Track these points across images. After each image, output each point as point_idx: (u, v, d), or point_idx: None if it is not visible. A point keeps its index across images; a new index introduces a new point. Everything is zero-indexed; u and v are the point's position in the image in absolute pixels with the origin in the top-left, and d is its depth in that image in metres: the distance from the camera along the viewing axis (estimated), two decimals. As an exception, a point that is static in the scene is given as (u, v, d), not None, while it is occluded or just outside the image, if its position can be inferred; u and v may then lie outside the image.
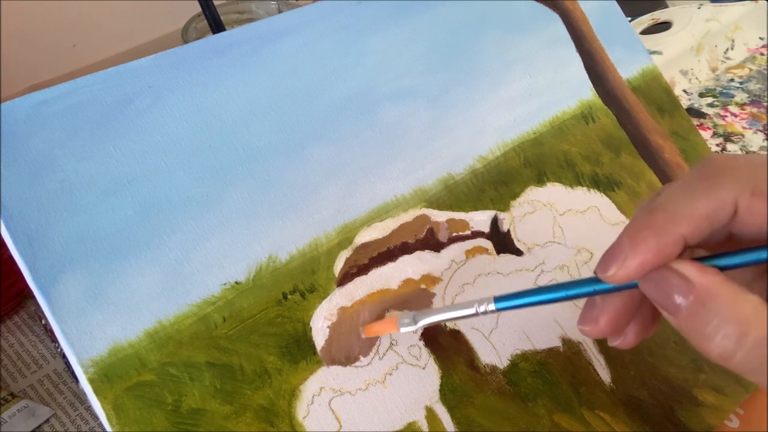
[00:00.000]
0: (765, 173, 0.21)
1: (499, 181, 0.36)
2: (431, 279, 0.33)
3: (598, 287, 0.23)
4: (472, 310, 0.26)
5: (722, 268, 0.21)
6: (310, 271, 0.31)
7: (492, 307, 0.26)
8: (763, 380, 0.20)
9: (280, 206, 0.31)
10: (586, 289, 0.24)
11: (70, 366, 0.27)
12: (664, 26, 0.64)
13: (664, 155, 0.41)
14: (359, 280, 0.31)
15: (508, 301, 0.26)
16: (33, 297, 0.31)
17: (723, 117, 0.57)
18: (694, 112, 0.58)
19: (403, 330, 0.28)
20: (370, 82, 0.35)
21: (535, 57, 0.40)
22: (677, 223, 0.21)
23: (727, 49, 0.63)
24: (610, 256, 0.22)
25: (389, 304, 0.31)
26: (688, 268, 0.21)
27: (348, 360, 0.30)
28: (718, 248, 0.23)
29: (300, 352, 0.29)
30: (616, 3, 0.44)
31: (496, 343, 0.32)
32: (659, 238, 0.21)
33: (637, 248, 0.21)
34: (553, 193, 0.37)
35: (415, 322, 0.28)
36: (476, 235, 0.35)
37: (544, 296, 0.25)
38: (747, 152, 0.53)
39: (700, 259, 0.22)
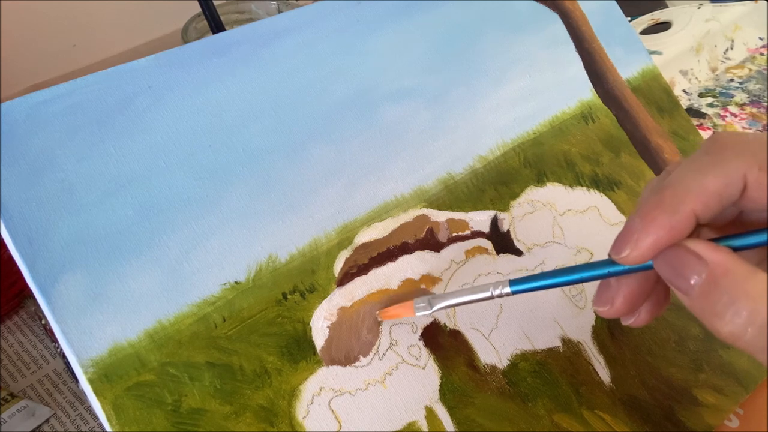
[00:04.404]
0: None
1: (499, 181, 0.36)
2: (431, 279, 0.33)
3: (612, 269, 0.23)
4: (487, 294, 0.27)
5: (735, 249, 0.21)
6: (310, 271, 0.31)
7: (507, 290, 0.26)
8: None
9: (280, 206, 0.31)
10: (600, 272, 0.24)
11: (70, 366, 0.27)
12: (664, 26, 0.64)
13: (664, 155, 0.41)
14: (359, 280, 0.31)
15: (523, 284, 0.26)
16: (33, 297, 0.31)
17: (723, 117, 0.57)
18: (694, 112, 0.58)
19: (418, 314, 0.29)
20: (370, 82, 0.35)
21: (535, 57, 0.40)
22: (687, 200, 0.21)
23: (727, 49, 0.63)
24: (622, 237, 0.22)
25: (389, 305, 0.31)
26: (701, 246, 0.21)
27: (348, 360, 0.30)
28: (728, 229, 0.23)
29: (300, 352, 0.29)
30: (616, 3, 0.44)
31: (495, 343, 0.32)
32: (670, 215, 0.21)
33: (648, 228, 0.21)
34: (553, 193, 0.37)
35: (431, 306, 0.28)
36: (476, 235, 0.35)
37: (559, 279, 0.25)
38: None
39: (713, 240, 0.22)
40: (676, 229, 0.21)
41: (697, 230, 0.22)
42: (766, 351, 0.20)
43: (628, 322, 0.25)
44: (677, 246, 0.21)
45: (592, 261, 0.24)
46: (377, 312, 0.31)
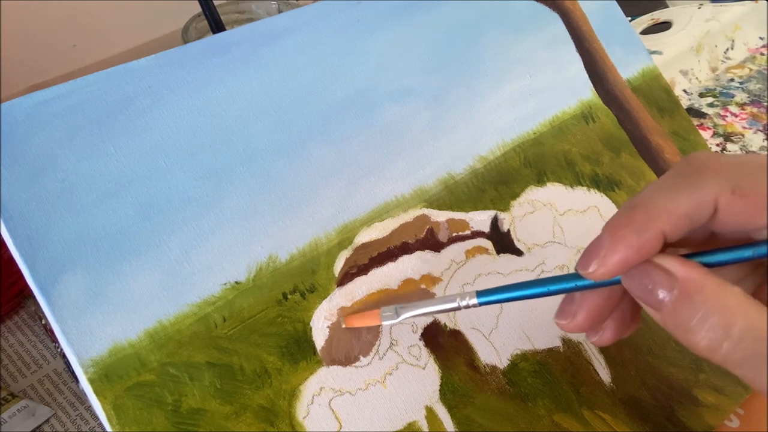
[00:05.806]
0: (746, 172, 0.21)
1: (499, 181, 0.36)
2: (431, 279, 0.33)
3: (579, 283, 0.23)
4: (454, 304, 0.27)
5: (705, 266, 0.21)
6: (310, 271, 0.31)
7: (474, 301, 0.26)
8: (749, 373, 0.20)
9: (280, 206, 0.31)
10: (567, 285, 0.24)
11: (70, 366, 0.27)
12: (664, 26, 0.64)
13: (664, 155, 0.41)
14: (359, 280, 0.31)
15: (490, 295, 0.26)
16: (33, 297, 0.31)
17: (723, 117, 0.57)
18: (694, 112, 0.58)
19: (385, 323, 0.29)
20: (370, 82, 0.35)
21: (535, 57, 0.40)
22: (656, 220, 0.21)
23: (727, 49, 0.63)
24: (589, 252, 0.22)
25: (389, 305, 0.31)
26: (669, 262, 0.21)
27: (348, 360, 0.30)
28: (701, 248, 0.22)
29: (300, 352, 0.29)
30: (616, 3, 0.44)
31: (496, 343, 0.32)
32: (639, 234, 0.21)
33: (616, 245, 0.21)
34: (553, 193, 0.37)
35: (398, 315, 0.28)
36: (476, 235, 0.35)
37: (525, 291, 0.25)
38: (747, 152, 0.53)
39: (684, 257, 0.22)
40: (645, 248, 0.21)
41: (672, 249, 0.22)
42: (742, 364, 0.19)
43: (592, 339, 0.25)
44: (646, 262, 0.21)
45: (559, 274, 0.24)
46: (341, 318, 0.30)
